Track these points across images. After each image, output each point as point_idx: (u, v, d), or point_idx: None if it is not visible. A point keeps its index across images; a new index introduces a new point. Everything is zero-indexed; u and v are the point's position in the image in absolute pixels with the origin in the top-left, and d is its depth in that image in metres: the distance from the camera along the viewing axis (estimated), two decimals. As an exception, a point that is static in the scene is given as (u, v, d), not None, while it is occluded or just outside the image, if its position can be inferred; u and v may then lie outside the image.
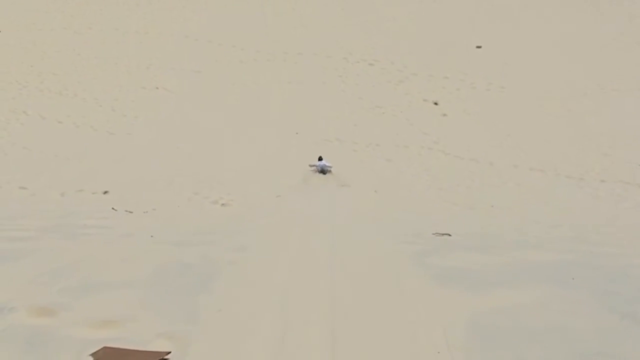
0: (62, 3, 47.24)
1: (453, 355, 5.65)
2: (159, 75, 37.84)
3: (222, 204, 22.14)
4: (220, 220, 17.16)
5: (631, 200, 24.41)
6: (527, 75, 38.22)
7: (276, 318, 6.49)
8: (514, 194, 25.11)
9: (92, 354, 5.43)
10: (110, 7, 46.87)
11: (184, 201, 22.29)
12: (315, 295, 7.39)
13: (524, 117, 33.71)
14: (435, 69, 39.12)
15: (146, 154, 28.38)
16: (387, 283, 8.11)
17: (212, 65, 39.25)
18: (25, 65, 38.47)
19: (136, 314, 6.42)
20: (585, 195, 25.35)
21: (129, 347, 5.58)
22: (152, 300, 6.97)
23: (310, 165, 27.65)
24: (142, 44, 41.73)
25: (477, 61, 40.01)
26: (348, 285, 7.85)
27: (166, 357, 5.47)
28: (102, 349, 5.50)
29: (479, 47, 41.70)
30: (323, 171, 27.41)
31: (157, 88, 36.41)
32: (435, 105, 35.30)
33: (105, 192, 23.05)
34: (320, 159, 27.78)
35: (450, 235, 12.99)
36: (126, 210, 18.71)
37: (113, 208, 19.16)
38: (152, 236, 11.92)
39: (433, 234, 13.13)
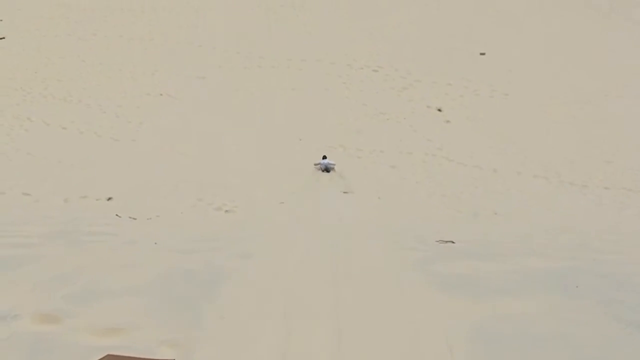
0: (66, 9, 47.32)
1: (457, 363, 5.64)
2: (163, 82, 37.87)
3: (226, 211, 22.17)
4: (224, 227, 17.17)
5: (634, 207, 24.40)
6: (531, 82, 38.22)
7: (280, 325, 6.48)
8: (518, 201, 25.11)
9: (96, 362, 5.43)
10: (114, 13, 46.94)
11: (187, 207, 22.31)
12: (318, 302, 7.39)
13: (527, 123, 33.70)
14: (438, 75, 39.12)
15: (150, 160, 28.40)
16: (390, 290, 8.11)
17: (216, 72, 39.28)
18: (29, 71, 38.53)
19: (140, 321, 6.42)
20: (589, 202, 25.34)
21: (133, 355, 5.58)
22: (156, 307, 6.97)
23: (315, 164, 28.88)
24: (147, 51, 41.78)
25: (480, 68, 40.02)
26: (351, 292, 7.85)
27: (170, 364, 5.47)
28: (105, 356, 5.50)
29: (482, 53, 41.72)
30: (327, 169, 28.57)
31: (161, 94, 36.44)
32: (439, 112, 35.30)
33: (109, 199, 23.08)
34: (324, 157, 29.06)
35: (453, 242, 12.99)
36: (130, 217, 18.73)
37: (117, 214, 19.18)
38: (155, 243, 11.93)
39: (436, 241, 13.12)
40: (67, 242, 11.84)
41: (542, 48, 42.49)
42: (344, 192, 25.59)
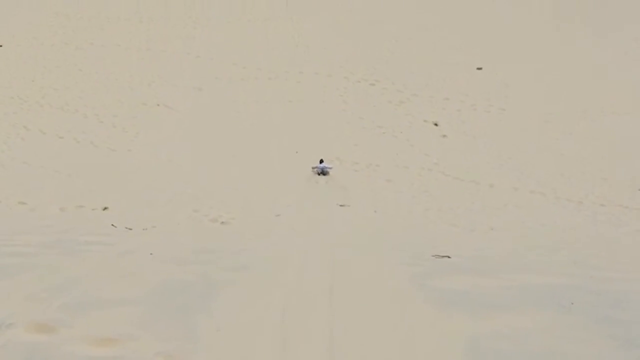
0: (64, 18, 47.35)
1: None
2: (160, 92, 37.90)
3: (222, 222, 22.14)
4: (220, 239, 17.14)
5: (631, 224, 24.41)
6: (528, 97, 38.31)
7: (275, 338, 6.47)
8: (514, 217, 25.11)
9: (91, 372, 5.41)
10: (112, 23, 46.99)
11: (183, 218, 22.29)
12: (314, 315, 7.37)
13: (524, 139, 33.76)
14: (435, 89, 39.20)
15: (146, 170, 28.40)
16: (386, 305, 8.09)
17: (213, 83, 39.32)
18: (26, 80, 38.55)
19: (135, 333, 6.40)
20: (585, 218, 25.35)
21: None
22: (152, 318, 6.95)
23: (313, 168, 29.76)
24: (144, 61, 41.82)
25: (477, 82, 40.11)
26: (347, 307, 7.83)
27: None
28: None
29: (479, 68, 41.82)
30: (323, 172, 29.57)
31: (158, 105, 36.46)
32: (435, 126, 35.36)
33: (105, 209, 23.06)
34: (321, 161, 29.91)
35: (449, 257, 12.97)
36: (126, 227, 18.70)
37: (113, 224, 19.15)
38: (151, 254, 11.90)
39: (433, 255, 13.10)
40: (63, 251, 11.81)
41: (538, 63, 42.60)
42: (340, 205, 25.58)
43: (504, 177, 29.49)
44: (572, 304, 8.40)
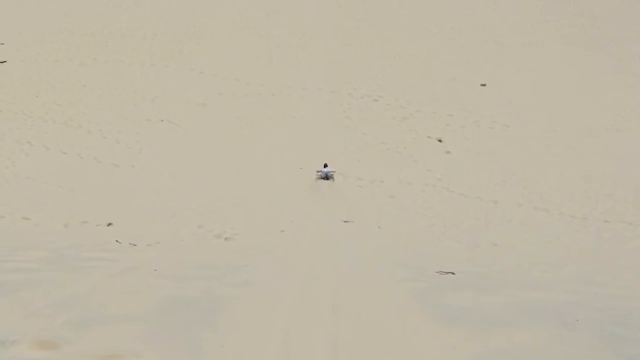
0: (67, 34, 47.51)
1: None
2: (163, 108, 37.95)
3: (226, 238, 22.11)
4: (223, 255, 17.14)
5: (635, 241, 24.34)
6: (532, 114, 38.29)
7: (279, 354, 6.46)
8: (518, 233, 25.05)
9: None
10: (116, 38, 47.11)
11: (187, 234, 22.27)
12: (317, 332, 7.36)
13: (528, 155, 33.73)
14: (439, 106, 39.22)
15: (150, 186, 28.42)
16: (390, 321, 8.08)
17: (217, 99, 39.38)
18: (30, 95, 38.64)
19: (139, 349, 6.39)
20: (589, 235, 25.28)
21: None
22: (156, 334, 6.94)
23: (317, 172, 30.43)
24: (148, 76, 41.91)
25: (481, 99, 40.12)
26: (351, 323, 7.82)
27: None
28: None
29: (483, 85, 41.84)
30: (327, 177, 30.18)
31: (162, 120, 36.50)
32: (439, 143, 35.35)
33: (109, 224, 23.05)
34: (325, 165, 30.58)
35: (454, 273, 12.96)
36: (130, 243, 18.69)
37: (117, 240, 19.14)
38: (155, 270, 11.90)
39: (437, 272, 13.09)
40: (67, 267, 11.81)
41: (542, 80, 42.61)
42: (344, 221, 25.56)
43: (507, 194, 29.45)
44: (577, 320, 8.39)
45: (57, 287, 9.33)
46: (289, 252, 18.01)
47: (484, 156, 33.55)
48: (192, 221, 23.86)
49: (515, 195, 29.27)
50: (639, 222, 26.36)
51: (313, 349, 6.70)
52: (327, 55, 45.44)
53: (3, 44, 45.33)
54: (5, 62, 42.83)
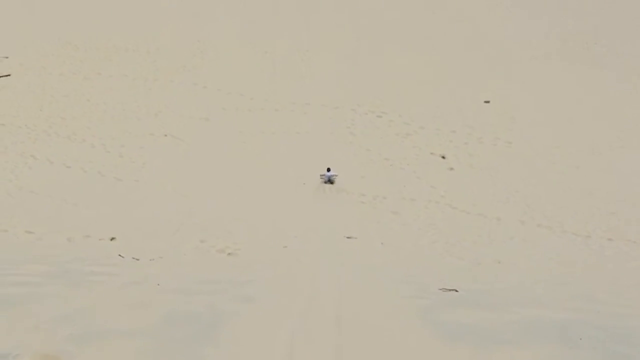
0: (71, 48, 47.73)
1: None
2: (167, 122, 38.07)
3: (229, 253, 22.12)
4: (226, 270, 17.12)
5: (639, 259, 24.30)
6: (535, 131, 38.35)
7: (282, 371, 6.45)
8: (521, 250, 25.04)
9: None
10: (119, 53, 47.34)
11: (190, 249, 22.28)
12: (321, 347, 7.35)
13: (531, 172, 33.75)
14: (442, 122, 39.29)
15: (153, 200, 28.45)
16: (393, 338, 8.06)
17: (220, 113, 39.50)
18: (34, 109, 38.79)
19: (142, 364, 6.39)
20: (592, 253, 25.25)
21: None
22: (158, 350, 6.93)
23: (321, 176, 31.28)
24: (151, 91, 42.06)
25: (484, 116, 40.19)
26: (354, 340, 7.81)
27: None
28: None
29: (487, 101, 41.93)
30: (330, 181, 31.02)
31: (165, 135, 36.61)
32: (442, 159, 35.40)
33: (112, 239, 23.07)
34: (328, 169, 31.44)
35: (457, 290, 12.93)
36: (133, 257, 18.68)
37: (120, 255, 19.14)
38: (158, 284, 11.89)
39: (439, 289, 13.06)
40: (70, 281, 11.80)
41: (546, 97, 42.69)
42: (347, 237, 25.55)
43: (510, 211, 29.45)
44: (580, 339, 8.37)
45: (60, 301, 9.32)
46: (292, 267, 17.99)
47: (487, 173, 33.58)
48: (195, 236, 23.88)
49: (518, 212, 29.27)
50: (642, 240, 26.33)
51: (316, 365, 6.70)
52: (330, 71, 45.56)
53: (7, 57, 45.51)
54: (9, 75, 43.00)
